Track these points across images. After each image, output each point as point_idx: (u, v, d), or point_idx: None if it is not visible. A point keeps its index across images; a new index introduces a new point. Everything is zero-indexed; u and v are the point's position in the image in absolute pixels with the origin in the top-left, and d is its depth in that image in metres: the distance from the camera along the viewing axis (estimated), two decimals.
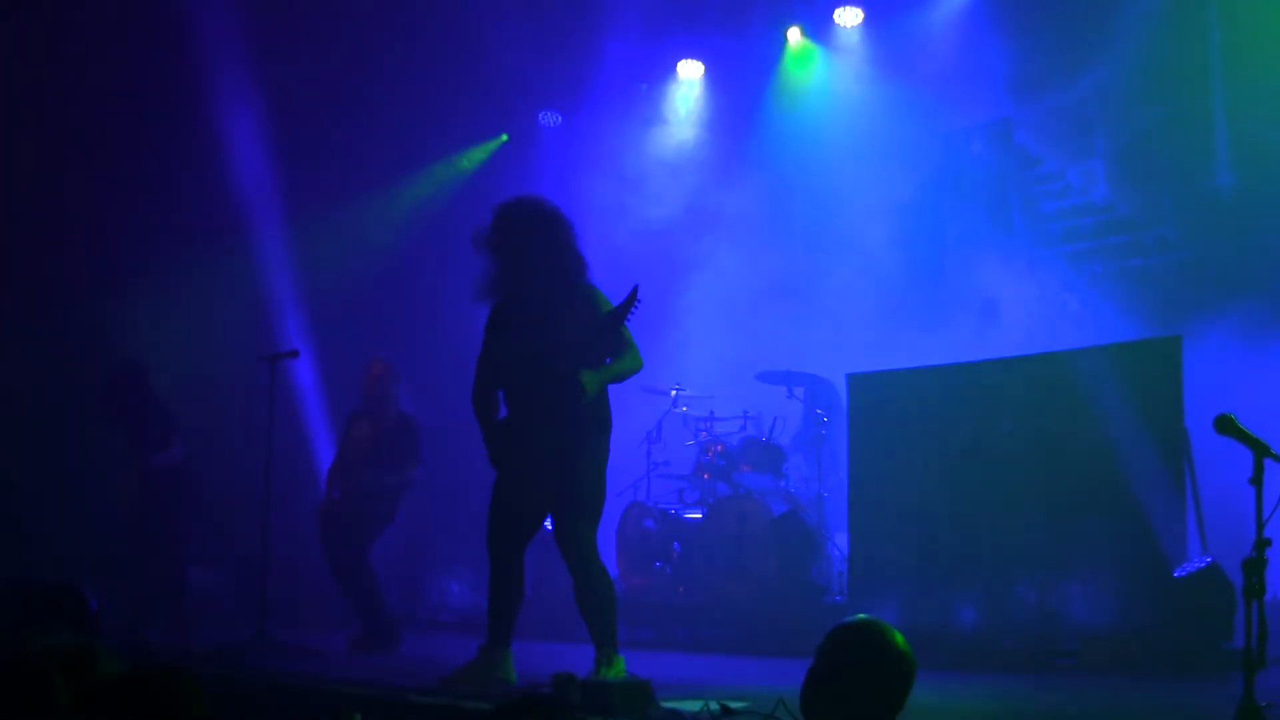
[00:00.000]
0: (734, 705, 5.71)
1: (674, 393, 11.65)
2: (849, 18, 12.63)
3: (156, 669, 3.02)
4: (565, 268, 6.89)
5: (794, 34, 13.01)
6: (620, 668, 6.63)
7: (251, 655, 8.46)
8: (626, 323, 6.62)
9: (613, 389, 7.06)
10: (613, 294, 6.90)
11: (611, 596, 6.91)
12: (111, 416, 10.89)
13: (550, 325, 6.78)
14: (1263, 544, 4.80)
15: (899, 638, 3.63)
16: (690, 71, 13.91)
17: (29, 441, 11.65)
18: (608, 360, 6.75)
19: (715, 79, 13.81)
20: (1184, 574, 7.56)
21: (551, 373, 6.66)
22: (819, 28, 12.86)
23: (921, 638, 8.16)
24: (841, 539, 10.22)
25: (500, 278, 7.04)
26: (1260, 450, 4.89)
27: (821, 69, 12.93)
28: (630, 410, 12.00)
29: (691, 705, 5.80)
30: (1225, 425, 4.98)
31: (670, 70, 13.95)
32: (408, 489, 9.83)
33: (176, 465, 10.89)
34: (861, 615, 3.76)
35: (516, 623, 7.39)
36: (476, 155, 15.13)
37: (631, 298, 6.49)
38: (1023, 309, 11.06)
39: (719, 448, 11.01)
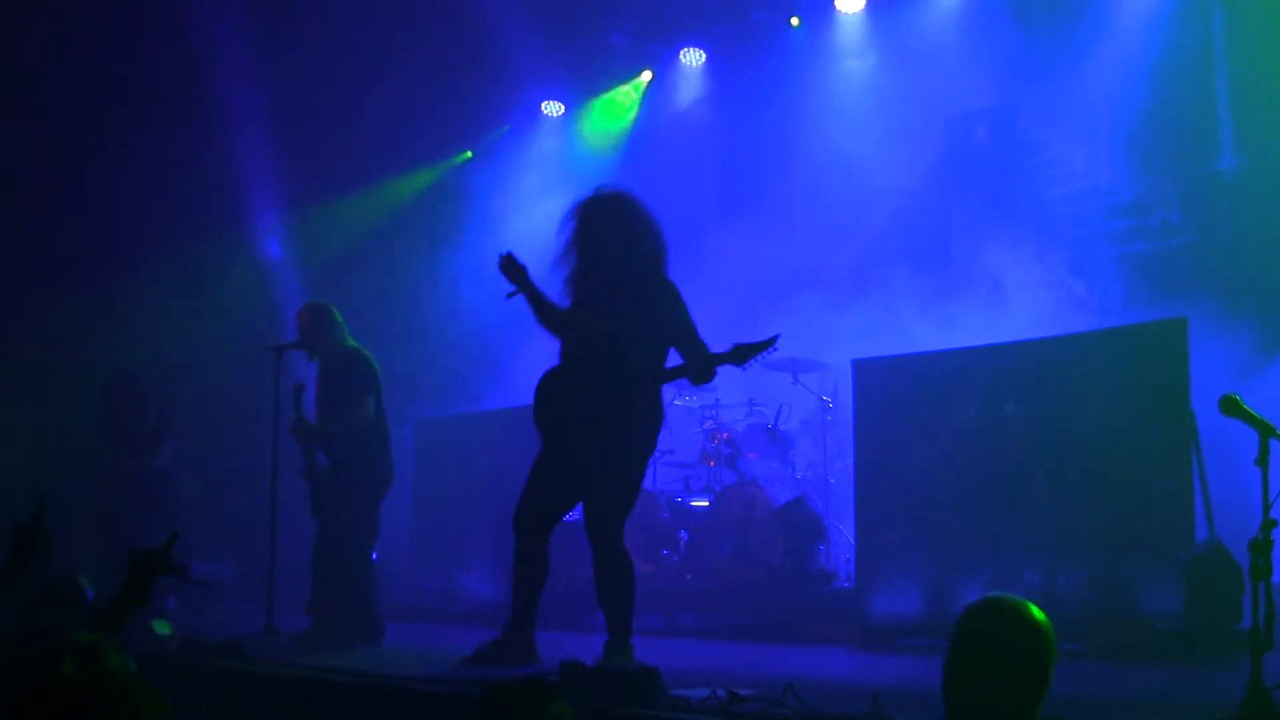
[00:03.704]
0: (742, 692, 5.72)
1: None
2: (850, 3, 12.61)
3: (110, 674, 3.01)
4: (644, 265, 6.97)
5: (796, 20, 12.98)
6: (628, 658, 6.62)
7: (259, 648, 8.46)
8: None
9: None
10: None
11: (629, 587, 6.88)
12: (102, 422, 10.96)
13: (630, 315, 6.81)
14: (1269, 525, 4.80)
15: (1036, 612, 3.49)
16: (692, 59, 13.88)
17: (27, 433, 11.68)
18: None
19: (717, 67, 13.78)
20: (1191, 556, 7.55)
21: (621, 359, 6.65)
22: (821, 13, 12.83)
23: (931, 622, 8.20)
24: (848, 525, 10.23)
25: (580, 268, 7.09)
26: (1266, 431, 4.88)
27: (823, 55, 12.89)
28: None
29: (699, 692, 5.81)
30: (1230, 406, 4.98)
31: (672, 58, 13.92)
32: (366, 428, 9.29)
33: (161, 471, 10.90)
34: (993, 594, 3.59)
35: (540, 612, 7.27)
36: (479, 145, 15.15)
37: (768, 344, 6.47)
38: (1028, 294, 11.04)
39: (725, 435, 11.01)
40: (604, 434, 6.75)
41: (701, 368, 6.63)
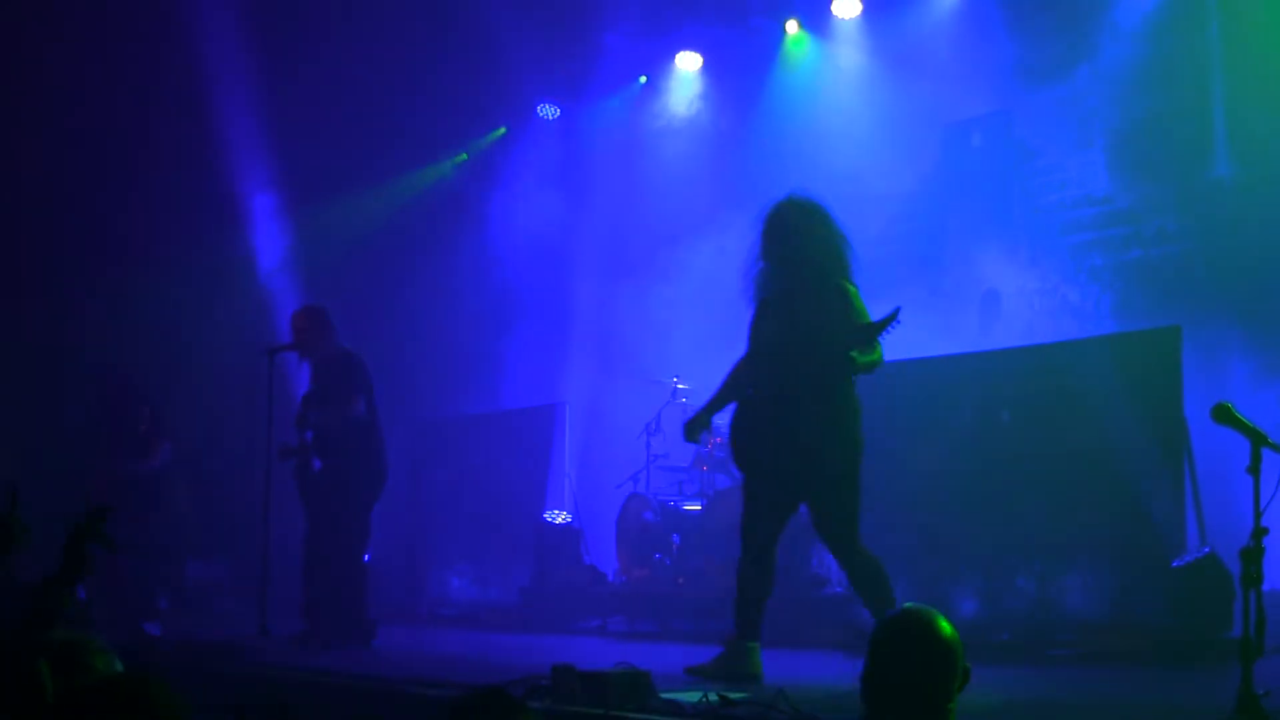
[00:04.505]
0: (733, 696, 5.72)
1: (674, 382, 11.61)
2: (847, 9, 12.61)
3: (129, 677, 3.02)
4: (822, 265, 7.00)
5: (792, 26, 12.99)
6: None
7: (252, 649, 8.45)
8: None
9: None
10: None
11: (879, 575, 6.89)
12: (97, 424, 10.96)
13: (805, 317, 6.86)
14: (1260, 533, 4.80)
15: (944, 624, 3.64)
16: (689, 63, 13.88)
17: (21, 434, 11.66)
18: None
19: (713, 71, 13.79)
20: (1182, 564, 7.56)
21: (804, 360, 6.73)
22: (817, 19, 12.84)
23: None
24: None
25: (767, 274, 7.19)
26: (1257, 439, 4.89)
27: (820, 61, 12.90)
28: (630, 402, 12.03)
29: (691, 696, 5.81)
30: (1223, 414, 4.98)
31: (669, 62, 13.92)
32: (355, 427, 9.31)
33: (155, 473, 10.89)
34: (908, 604, 3.79)
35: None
36: (475, 147, 15.14)
37: (892, 317, 6.49)
38: (1023, 301, 11.05)
39: (718, 439, 11.00)
40: (806, 441, 6.76)
41: (839, 359, 6.64)
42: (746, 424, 7.07)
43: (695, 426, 7.26)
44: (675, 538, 10.97)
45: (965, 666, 3.66)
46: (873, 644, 3.69)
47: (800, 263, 7.00)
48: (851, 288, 6.97)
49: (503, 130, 15.00)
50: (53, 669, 3.55)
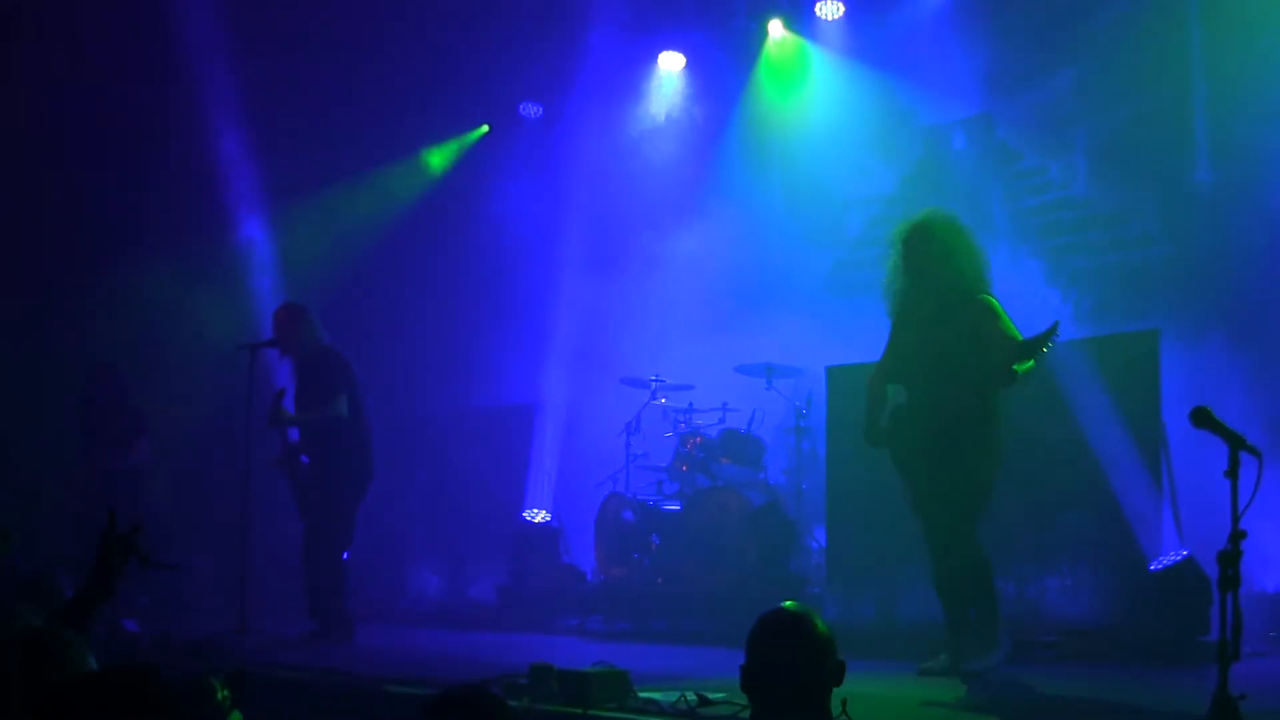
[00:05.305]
0: (711, 696, 5.73)
1: (653, 383, 11.61)
2: (830, 10, 12.60)
3: (126, 669, 3.00)
4: (966, 281, 7.14)
5: (775, 27, 12.98)
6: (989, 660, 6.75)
7: (231, 646, 8.43)
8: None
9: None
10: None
11: (962, 583, 6.96)
12: (81, 415, 10.93)
13: (955, 331, 6.98)
14: (1238, 536, 4.81)
15: (817, 623, 3.77)
16: (671, 63, 13.87)
17: (4, 427, 11.63)
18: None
19: (696, 71, 13.78)
20: (1160, 567, 7.60)
21: (955, 374, 6.87)
22: (801, 20, 12.83)
23: (900, 630, 8.22)
24: (820, 531, 10.24)
25: (908, 285, 7.28)
26: (1236, 443, 4.90)
27: (803, 62, 12.90)
28: (610, 402, 12.02)
29: (668, 695, 5.81)
30: (1202, 418, 5.00)
31: (651, 62, 13.91)
32: (339, 425, 9.34)
33: (137, 467, 10.86)
34: (788, 603, 3.90)
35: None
36: (457, 146, 15.11)
37: (1053, 331, 6.52)
38: (1003, 303, 11.05)
39: (698, 439, 11.01)
40: (944, 447, 6.89)
41: (999, 373, 6.69)
42: (901, 433, 7.13)
43: (875, 437, 7.32)
44: (654, 537, 10.97)
45: (840, 661, 3.77)
46: (749, 641, 3.80)
47: (944, 277, 7.14)
48: (995, 302, 7.10)
49: (485, 128, 14.96)
50: (23, 662, 3.53)
